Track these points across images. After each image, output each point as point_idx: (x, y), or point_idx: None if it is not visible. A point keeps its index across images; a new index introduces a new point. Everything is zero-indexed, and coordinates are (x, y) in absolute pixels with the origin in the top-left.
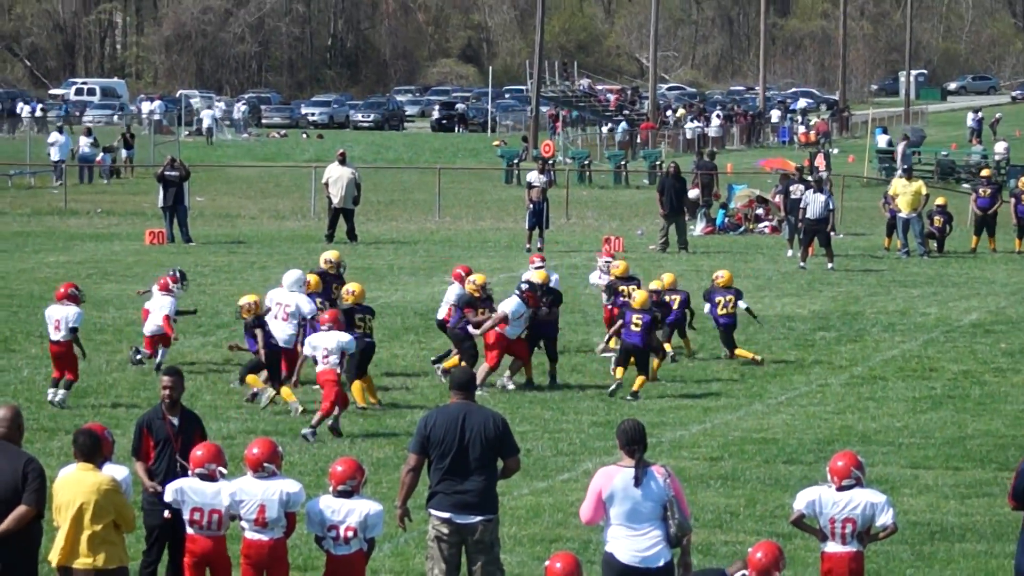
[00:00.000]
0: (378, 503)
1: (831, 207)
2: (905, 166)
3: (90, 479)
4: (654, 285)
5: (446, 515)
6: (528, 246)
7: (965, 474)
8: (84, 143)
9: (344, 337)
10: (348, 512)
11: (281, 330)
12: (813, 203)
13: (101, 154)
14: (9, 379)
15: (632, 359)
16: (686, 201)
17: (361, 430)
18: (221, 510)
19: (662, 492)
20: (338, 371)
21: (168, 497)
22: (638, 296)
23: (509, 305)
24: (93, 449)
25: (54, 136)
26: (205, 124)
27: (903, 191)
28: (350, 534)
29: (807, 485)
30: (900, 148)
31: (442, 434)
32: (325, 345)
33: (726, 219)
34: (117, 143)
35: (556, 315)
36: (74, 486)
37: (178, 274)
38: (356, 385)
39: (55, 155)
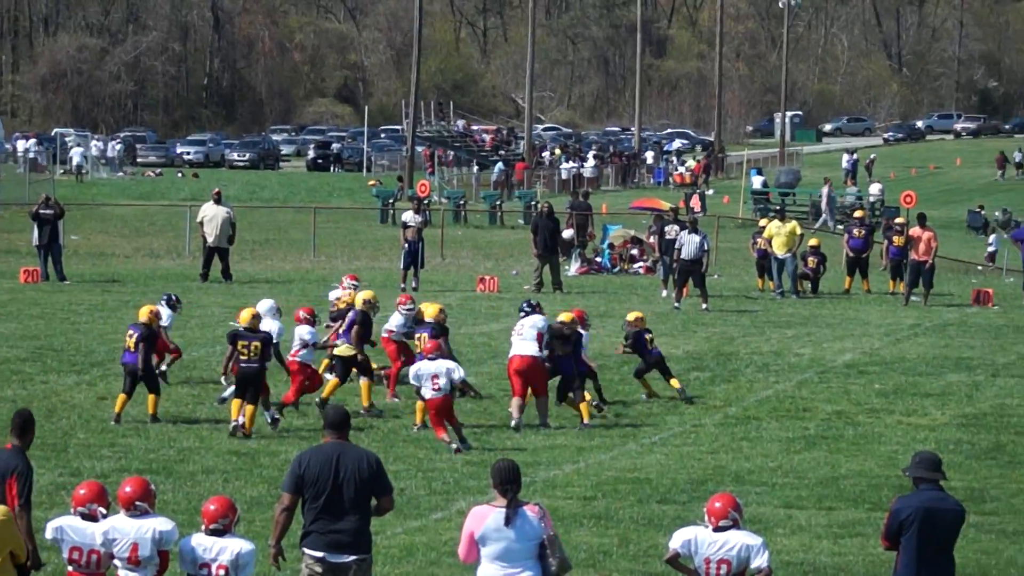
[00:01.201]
0: (250, 542)
1: (706, 248)
2: (828, 211)
3: None
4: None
5: (320, 554)
6: (403, 285)
7: (838, 514)
8: None
9: (451, 364)
10: (220, 550)
11: None
12: (688, 244)
13: None
14: None
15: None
16: (560, 241)
17: (234, 468)
18: (100, 550)
19: (536, 531)
20: (450, 395)
21: (48, 535)
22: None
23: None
24: None
25: None
26: (75, 162)
27: (777, 232)
28: (222, 572)
29: (681, 525)
30: (825, 192)
31: (316, 473)
32: (432, 373)
33: (610, 259)
34: None
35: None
36: None
37: (174, 299)
38: (236, 403)
39: None
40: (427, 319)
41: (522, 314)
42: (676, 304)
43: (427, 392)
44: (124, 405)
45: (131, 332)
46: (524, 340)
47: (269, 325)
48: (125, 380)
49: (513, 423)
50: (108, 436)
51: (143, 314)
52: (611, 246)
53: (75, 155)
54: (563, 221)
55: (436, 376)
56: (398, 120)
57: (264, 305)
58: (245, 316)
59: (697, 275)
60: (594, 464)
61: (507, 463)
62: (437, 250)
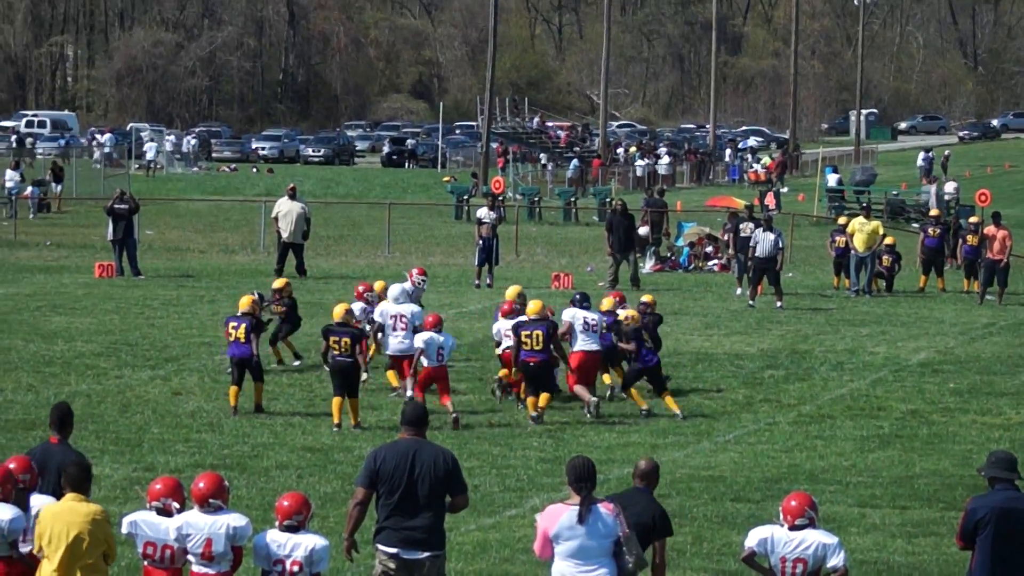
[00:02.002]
0: (324, 538)
1: (780, 246)
2: (939, 208)
3: (83, 510)
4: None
5: (393, 550)
6: (477, 282)
7: (912, 513)
8: (10, 176)
9: (447, 338)
10: (294, 546)
11: (398, 340)
12: (763, 241)
13: (29, 188)
14: None
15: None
16: (636, 237)
17: (308, 464)
18: (174, 545)
19: (611, 529)
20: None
21: (123, 529)
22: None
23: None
24: (82, 480)
25: None
26: (148, 156)
27: (860, 229)
28: (296, 568)
29: (755, 523)
30: (934, 191)
31: (391, 469)
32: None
33: (689, 257)
34: (48, 177)
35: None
36: (67, 516)
37: (259, 296)
38: (336, 402)
39: None
40: (531, 316)
41: (584, 306)
42: (751, 302)
43: (428, 362)
44: (238, 397)
45: (235, 324)
46: (589, 335)
47: (406, 308)
48: (233, 372)
49: (592, 407)
50: (182, 431)
51: (245, 304)
52: (691, 244)
53: (148, 150)
54: (638, 218)
55: (440, 349)
56: (473, 116)
57: (395, 290)
58: (338, 311)
59: (772, 273)
60: (668, 462)
61: (582, 460)
62: (512, 247)
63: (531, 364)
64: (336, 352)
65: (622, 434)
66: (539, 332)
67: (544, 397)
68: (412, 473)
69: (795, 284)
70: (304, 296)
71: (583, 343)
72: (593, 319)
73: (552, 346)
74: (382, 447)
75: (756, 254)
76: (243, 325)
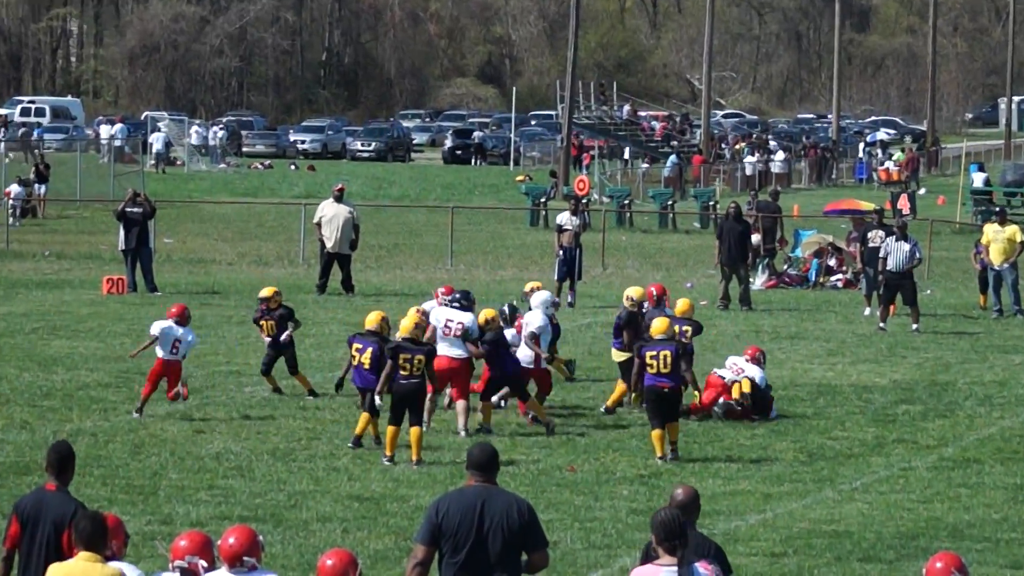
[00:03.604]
0: None
1: (917, 257)
2: None
3: (97, 572)
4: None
5: None
6: (557, 299)
7: None
8: None
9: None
10: None
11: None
12: (895, 252)
13: (13, 187)
14: None
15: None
16: (749, 247)
17: (356, 515)
18: None
19: None
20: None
21: None
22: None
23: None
24: (96, 536)
25: None
26: (155, 148)
27: (995, 237)
28: None
29: None
30: None
31: (456, 523)
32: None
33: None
34: (32, 177)
35: None
36: None
37: (461, 296)
38: (391, 431)
39: None
40: (657, 335)
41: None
42: (881, 324)
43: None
44: (367, 425)
45: (359, 346)
46: (449, 340)
47: (539, 319)
48: (364, 400)
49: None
50: (206, 477)
51: (372, 320)
52: (818, 253)
53: (156, 140)
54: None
55: (177, 342)
56: (552, 104)
57: (539, 297)
58: (407, 325)
59: (907, 290)
60: (783, 514)
61: (672, 514)
62: (598, 258)
63: (664, 391)
64: (404, 373)
65: (728, 481)
66: (667, 352)
67: (673, 428)
68: (481, 527)
69: (934, 303)
70: (351, 316)
71: (444, 348)
72: (456, 324)
73: (683, 367)
74: (445, 496)
75: (888, 267)
76: (369, 350)
